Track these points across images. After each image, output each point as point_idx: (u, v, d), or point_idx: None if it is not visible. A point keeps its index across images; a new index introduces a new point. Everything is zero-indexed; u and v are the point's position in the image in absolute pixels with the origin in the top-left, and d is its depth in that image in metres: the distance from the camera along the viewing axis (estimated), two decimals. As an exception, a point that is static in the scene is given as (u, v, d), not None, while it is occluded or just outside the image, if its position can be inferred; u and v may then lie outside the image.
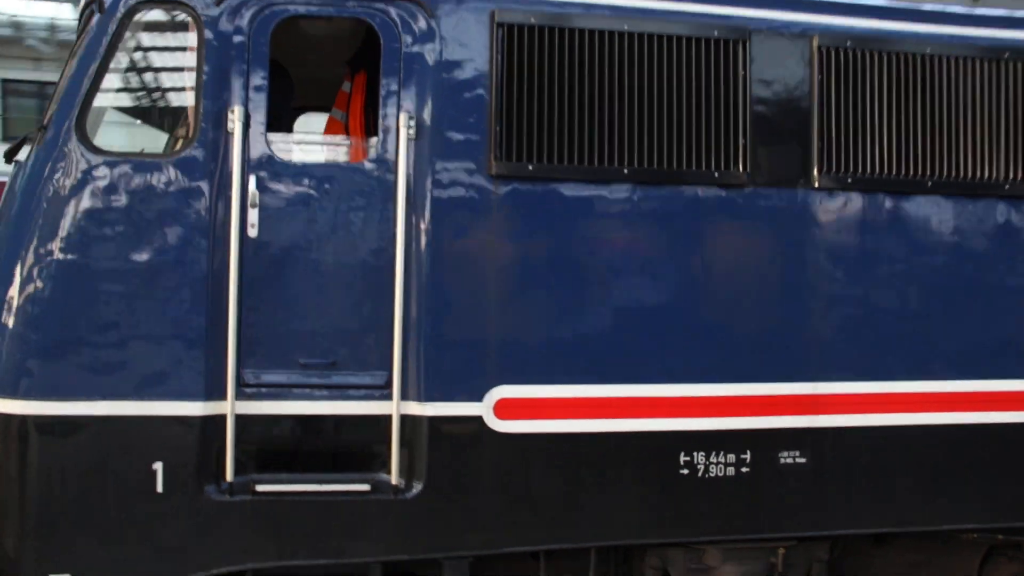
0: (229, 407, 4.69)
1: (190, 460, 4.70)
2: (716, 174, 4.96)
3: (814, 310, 5.06)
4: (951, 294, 5.14)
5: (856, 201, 5.11)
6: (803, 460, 5.05)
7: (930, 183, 5.11)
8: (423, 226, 4.88)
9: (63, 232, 4.63)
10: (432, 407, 4.84)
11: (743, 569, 5.16)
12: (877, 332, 5.09)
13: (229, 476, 4.69)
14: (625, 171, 4.94)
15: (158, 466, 4.73)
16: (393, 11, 4.87)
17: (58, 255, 4.63)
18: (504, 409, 4.93)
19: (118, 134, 5.83)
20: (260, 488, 4.74)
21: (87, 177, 4.63)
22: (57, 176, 4.63)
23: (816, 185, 5.04)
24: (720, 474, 5.00)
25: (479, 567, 5.08)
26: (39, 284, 4.67)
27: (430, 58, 4.91)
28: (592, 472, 4.98)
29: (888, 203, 5.14)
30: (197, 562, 4.74)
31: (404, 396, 4.79)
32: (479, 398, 4.89)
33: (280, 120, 5.33)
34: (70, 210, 4.62)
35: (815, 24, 5.08)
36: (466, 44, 4.94)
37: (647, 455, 4.99)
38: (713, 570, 5.15)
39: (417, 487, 4.84)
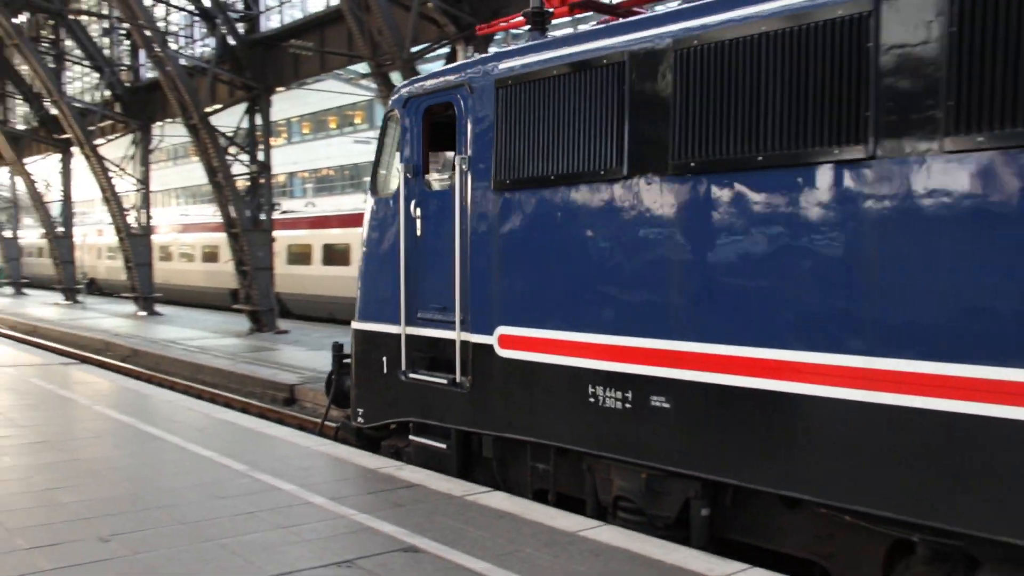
0: (402, 329, 8.20)
1: (394, 356, 8.30)
2: (602, 171, 6.50)
3: (674, 281, 6.08)
4: (783, 267, 5.54)
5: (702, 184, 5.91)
6: (667, 405, 6.10)
7: (760, 158, 5.58)
8: (467, 225, 7.57)
9: (369, 230, 8.93)
10: (471, 337, 7.50)
11: (626, 485, 6.55)
12: (719, 301, 5.83)
13: (403, 367, 8.20)
14: (552, 177, 6.88)
15: (385, 359, 8.50)
16: (459, 94, 7.76)
17: (380, 244, 8.72)
18: (502, 341, 7.30)
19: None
20: (410, 376, 8.15)
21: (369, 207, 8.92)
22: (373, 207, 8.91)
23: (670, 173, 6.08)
24: (612, 406, 6.45)
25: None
26: (367, 265, 8.99)
27: (471, 119, 7.60)
28: (542, 391, 6.98)
29: (726, 183, 5.79)
30: (397, 412, 8.38)
31: (472, 330, 7.50)
32: (491, 333, 7.35)
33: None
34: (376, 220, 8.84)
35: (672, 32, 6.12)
36: (484, 105, 7.49)
37: (570, 384, 6.72)
38: (612, 481, 6.67)
39: (481, 385, 7.45)
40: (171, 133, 37.18)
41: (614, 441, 6.45)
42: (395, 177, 8.55)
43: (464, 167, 7.59)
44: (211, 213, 39.75)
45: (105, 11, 37.70)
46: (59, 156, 41.30)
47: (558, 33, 7.82)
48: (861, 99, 5.08)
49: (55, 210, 40.98)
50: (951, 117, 4.69)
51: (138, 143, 33.73)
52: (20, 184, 45.44)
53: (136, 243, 32.33)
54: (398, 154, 8.50)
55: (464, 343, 7.57)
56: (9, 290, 47.10)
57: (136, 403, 10.90)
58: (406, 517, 6.11)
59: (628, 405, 6.37)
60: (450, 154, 8.49)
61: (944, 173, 4.75)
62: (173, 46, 30.69)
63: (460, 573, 5.08)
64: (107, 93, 35.83)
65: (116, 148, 34.31)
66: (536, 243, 7.08)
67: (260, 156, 27.19)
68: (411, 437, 8.37)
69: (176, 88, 27.41)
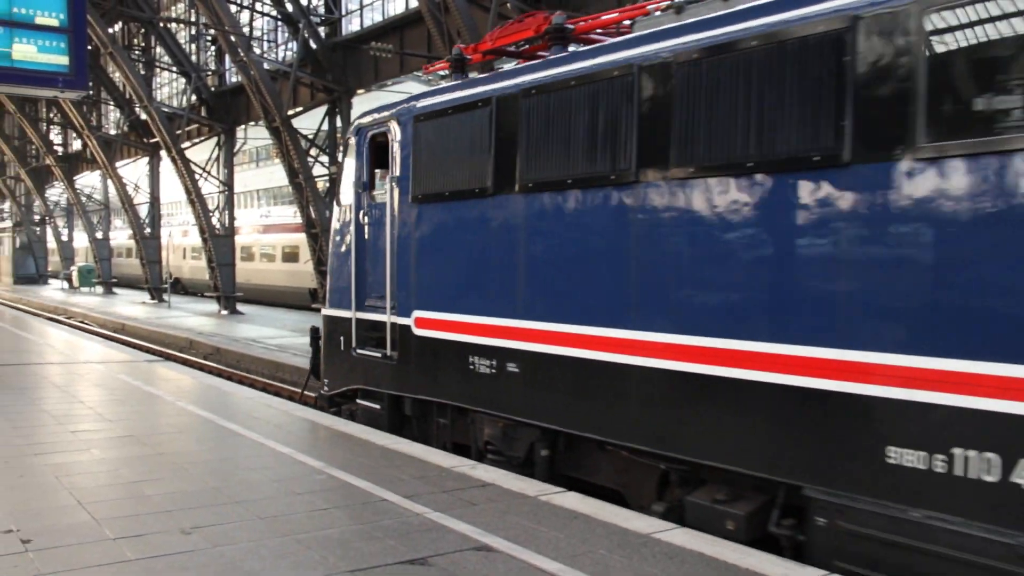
0: (353, 314, 10.30)
1: (349, 336, 10.36)
2: (477, 190, 8.59)
3: (520, 274, 8.11)
4: (581, 263, 7.49)
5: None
6: (517, 370, 8.05)
7: (569, 181, 7.57)
8: (395, 230, 9.62)
9: (332, 234, 11.14)
10: (398, 319, 9.59)
11: (491, 432, 8.63)
12: (545, 289, 7.85)
13: (354, 344, 10.30)
14: (447, 193, 8.95)
15: (342, 338, 10.56)
16: (391, 125, 9.81)
17: (340, 245, 10.80)
18: (417, 322, 9.31)
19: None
20: (359, 354, 10.23)
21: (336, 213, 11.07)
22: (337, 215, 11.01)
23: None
24: (484, 372, 8.42)
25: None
26: (332, 261, 11.15)
27: (399, 145, 9.66)
28: (442, 361, 9.03)
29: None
30: (350, 380, 10.56)
31: (398, 314, 9.57)
32: (410, 316, 9.42)
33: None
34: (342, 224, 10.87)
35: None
36: (407, 135, 9.51)
37: (459, 355, 8.74)
38: (483, 430, 8.74)
39: (403, 357, 9.54)
40: (254, 136, 37.92)
41: (484, 399, 8.53)
42: (351, 190, 10.62)
43: (393, 183, 9.71)
44: (291, 214, 40.45)
45: (193, 18, 38.64)
46: (147, 159, 42.49)
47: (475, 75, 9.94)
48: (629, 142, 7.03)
49: (143, 212, 42.13)
50: (674, 158, 6.64)
51: (222, 146, 34.53)
52: (111, 187, 46.79)
53: (219, 244, 33.07)
54: (353, 172, 10.59)
55: (393, 324, 9.72)
56: (99, 289, 48.59)
57: (217, 400, 11.14)
58: (479, 516, 6.12)
59: (493, 371, 8.39)
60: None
61: (671, 194, 6.68)
62: (257, 51, 31.29)
63: (533, 573, 5.07)
64: (193, 98, 36.70)
65: (201, 151, 35.15)
66: (437, 244, 9.16)
67: (340, 157, 27.57)
68: (357, 400, 10.54)
69: (259, 92, 27.96)
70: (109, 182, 46.79)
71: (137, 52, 40.71)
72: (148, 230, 41.93)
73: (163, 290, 39.69)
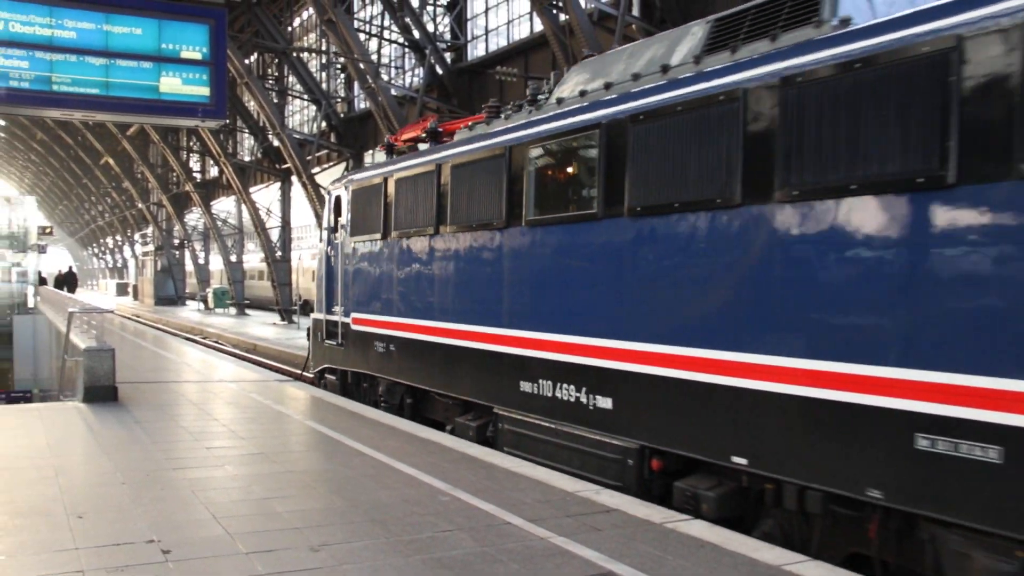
0: (324, 316, 15.07)
1: (321, 331, 15.26)
2: (378, 235, 13.11)
3: (399, 286, 12.45)
4: (440, 274, 11.46)
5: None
6: (394, 349, 12.33)
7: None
8: (343, 259, 14.33)
9: (318, 262, 16.22)
10: (344, 319, 14.08)
11: (383, 389, 13.11)
12: (406, 294, 12.20)
13: (323, 337, 15.13)
14: (363, 236, 13.54)
15: (319, 333, 15.52)
16: (343, 189, 14.53)
17: (320, 270, 15.77)
18: (354, 321, 13.73)
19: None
20: (327, 343, 14.92)
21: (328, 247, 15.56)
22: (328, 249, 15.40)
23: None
24: (380, 350, 12.75)
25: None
26: (316, 281, 16.34)
27: (346, 203, 14.37)
28: (366, 346, 13.22)
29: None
30: (322, 362, 15.44)
31: (344, 315, 14.10)
32: (349, 316, 13.87)
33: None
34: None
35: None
36: (347, 197, 14.23)
37: (372, 341, 13.03)
38: (380, 388, 13.30)
39: (345, 344, 14.06)
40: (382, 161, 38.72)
41: (379, 368, 13.06)
42: (325, 233, 15.46)
43: (342, 229, 14.55)
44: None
45: (324, 47, 39.84)
46: (279, 185, 43.96)
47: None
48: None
49: (274, 235, 43.53)
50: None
51: (350, 170, 35.48)
52: (245, 212, 48.54)
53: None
54: (324, 221, 15.58)
55: (342, 322, 14.32)
56: (233, 310, 50.38)
57: (344, 420, 11.35)
58: (604, 542, 6.04)
59: (383, 350, 12.83)
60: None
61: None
62: (384, 77, 32.03)
63: (659, 602, 4.95)
64: (323, 124, 37.78)
65: (330, 176, 36.15)
66: (360, 269, 13.80)
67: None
68: (326, 376, 15.51)
69: (387, 117, 28.57)
70: (243, 207, 48.59)
71: (271, 81, 42.23)
72: (279, 253, 43.31)
73: (293, 311, 40.89)
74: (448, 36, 30.53)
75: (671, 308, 7.57)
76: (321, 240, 15.70)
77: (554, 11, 21.35)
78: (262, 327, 38.16)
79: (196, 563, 5.52)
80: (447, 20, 30.74)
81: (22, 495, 7.25)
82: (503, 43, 28.78)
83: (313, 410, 12.04)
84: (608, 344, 8.24)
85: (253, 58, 43.80)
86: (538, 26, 25.12)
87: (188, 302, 64.92)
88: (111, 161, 69.99)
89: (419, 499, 7.22)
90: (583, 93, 9.32)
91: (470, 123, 12.03)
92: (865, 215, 5.97)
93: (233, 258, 51.75)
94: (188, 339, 30.76)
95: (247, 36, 38.02)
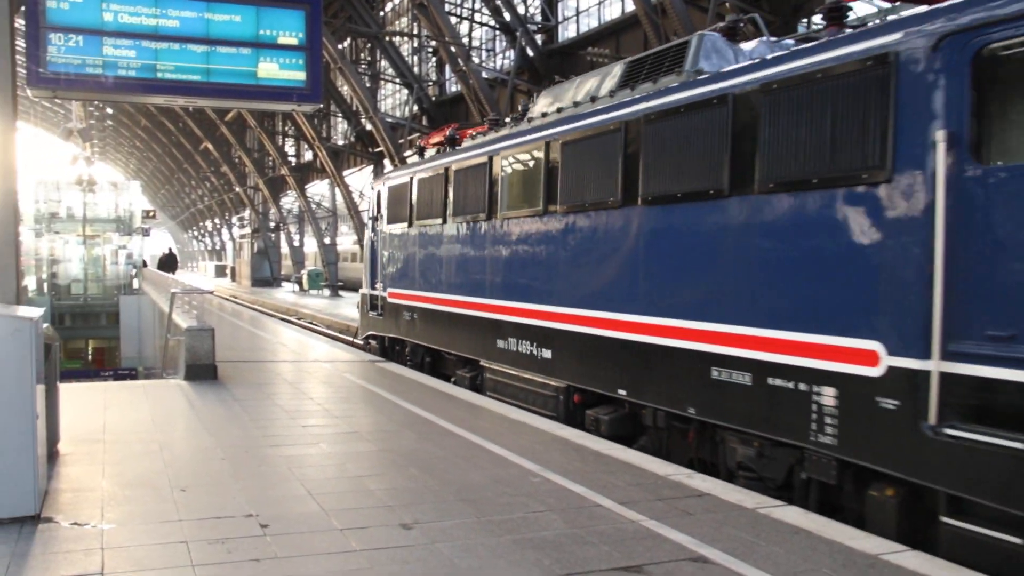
0: (368, 291, 18.59)
1: (367, 303, 18.62)
2: (408, 224, 16.03)
3: (421, 267, 15.22)
4: (437, 257, 14.41)
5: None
6: (418, 318, 15.16)
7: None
8: (381, 244, 17.59)
9: (363, 248, 22.67)
10: (382, 293, 17.19)
11: (410, 350, 16.17)
12: (428, 274, 14.86)
13: (368, 309, 18.48)
14: (396, 226, 16.59)
15: (365, 306, 18.93)
16: (382, 183, 17.84)
17: (367, 252, 19.33)
18: (390, 295, 16.72)
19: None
20: (370, 314, 18.19)
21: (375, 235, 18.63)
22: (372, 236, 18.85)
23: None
24: (407, 319, 15.71)
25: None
26: (363, 263, 20.15)
27: (385, 198, 17.45)
28: (399, 316, 16.12)
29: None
30: (368, 330, 18.51)
31: (382, 291, 17.21)
32: (385, 291, 16.95)
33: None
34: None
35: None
36: (385, 192, 17.48)
37: (403, 312, 15.86)
38: (407, 349, 16.29)
39: (384, 314, 17.15)
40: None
41: (406, 333, 15.80)
42: (369, 222, 18.70)
43: (382, 217, 17.34)
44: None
45: (415, 31, 40.11)
46: (372, 168, 44.53)
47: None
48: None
49: (365, 218, 44.16)
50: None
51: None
52: (338, 195, 49.31)
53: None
54: (369, 211, 18.69)
55: (382, 297, 17.21)
56: (327, 292, 51.33)
57: (436, 400, 11.48)
58: (695, 526, 6.00)
59: (411, 318, 15.46)
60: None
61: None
62: (476, 60, 32.11)
63: (751, 588, 4.90)
64: (415, 108, 38.09)
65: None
66: (394, 252, 16.54)
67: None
68: (369, 341, 18.43)
69: (478, 100, 28.67)
70: (336, 190, 49.36)
71: (363, 66, 42.70)
72: (327, 239, 44.14)
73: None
74: (539, 18, 30.45)
75: (580, 279, 10.16)
76: (367, 228, 19.77)
77: (646, -9, 21.09)
78: (354, 308, 38.73)
79: (293, 538, 5.67)
80: (538, 1, 30.66)
81: (130, 467, 7.54)
82: (594, 24, 28.58)
83: (405, 390, 12.21)
84: (548, 309, 10.84)
85: (346, 43, 44.35)
86: (630, 6, 24.87)
87: (283, 284, 66.36)
88: (210, 146, 71.82)
89: (510, 480, 7.27)
90: (544, 115, 11.84)
91: (474, 133, 15.01)
92: (685, 217, 8.46)
93: (327, 240, 52.66)
94: (284, 320, 31.46)
95: (340, 21, 38.51)
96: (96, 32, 11.38)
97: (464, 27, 34.79)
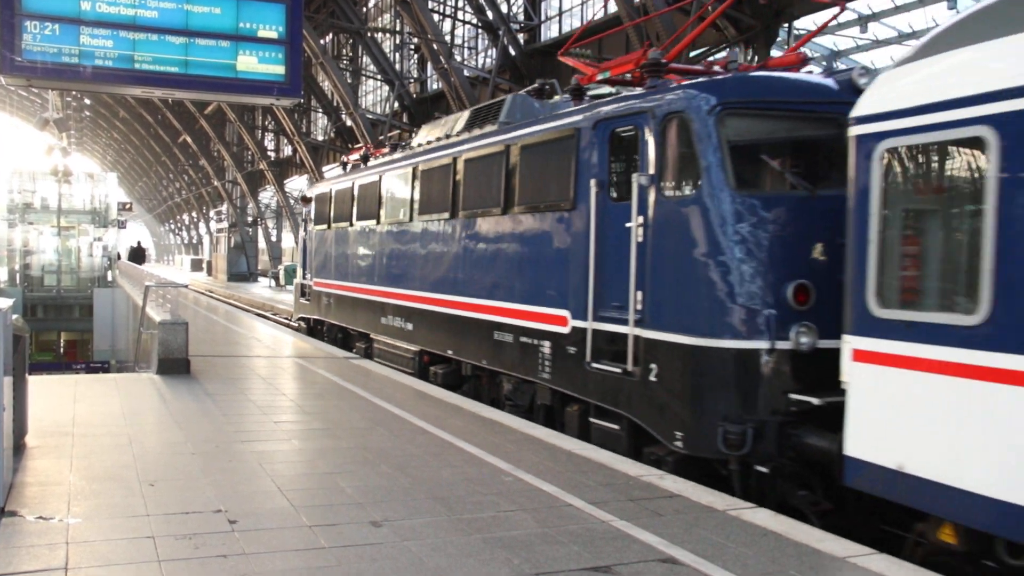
0: (301, 281, 22.56)
1: (300, 291, 22.51)
2: (325, 224, 20.04)
3: (336, 260, 18.92)
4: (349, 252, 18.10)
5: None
6: (334, 302, 18.82)
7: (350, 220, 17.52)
8: (310, 242, 21.55)
9: (304, 241, 23.64)
10: (309, 283, 20.99)
11: (327, 329, 19.88)
12: (339, 265, 18.67)
13: (300, 296, 22.25)
14: (325, 226, 19.88)
15: (298, 292, 22.63)
16: (313, 190, 21.94)
17: (301, 247, 23.85)
18: (315, 283, 20.36)
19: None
20: (301, 300, 22.22)
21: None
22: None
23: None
24: (326, 303, 19.36)
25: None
26: (299, 256, 25.02)
27: (313, 202, 21.45)
28: (319, 300, 19.94)
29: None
30: (300, 312, 22.30)
31: (310, 280, 20.98)
32: (311, 281, 20.77)
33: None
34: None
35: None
36: (314, 198, 21.32)
37: (324, 297, 19.50)
38: (324, 329, 20.13)
39: (311, 300, 20.93)
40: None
41: (326, 315, 19.26)
42: (303, 222, 22.15)
43: (311, 220, 20.95)
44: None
45: (398, 28, 39.99)
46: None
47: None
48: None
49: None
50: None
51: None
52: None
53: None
54: (304, 214, 22.19)
55: (309, 285, 20.48)
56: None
57: (409, 398, 11.44)
58: (665, 527, 6.00)
59: (328, 302, 19.10)
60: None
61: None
62: (457, 58, 32.04)
63: (720, 590, 4.90)
64: (396, 105, 37.99)
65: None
66: (317, 248, 20.03)
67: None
68: (299, 323, 22.11)
69: (459, 98, 28.61)
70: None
71: (345, 62, 42.51)
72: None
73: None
74: (521, 17, 30.44)
75: (428, 271, 13.59)
76: (301, 228, 24.40)
77: (628, -8, 21.13)
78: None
79: (261, 534, 5.63)
80: (521, 1, 30.65)
81: (99, 461, 7.46)
82: (577, 24, 28.60)
83: (379, 387, 12.17)
84: (409, 293, 14.37)
85: (328, 38, 44.17)
86: (612, 7, 24.91)
87: (260, 279, 66.03)
88: (189, 139, 71.38)
89: (481, 478, 7.26)
90: (419, 145, 15.28)
91: (378, 154, 18.41)
92: (480, 226, 11.89)
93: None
94: (259, 315, 31.29)
95: (323, 16, 38.36)
96: (73, 21, 11.27)
97: (447, 24, 34.73)
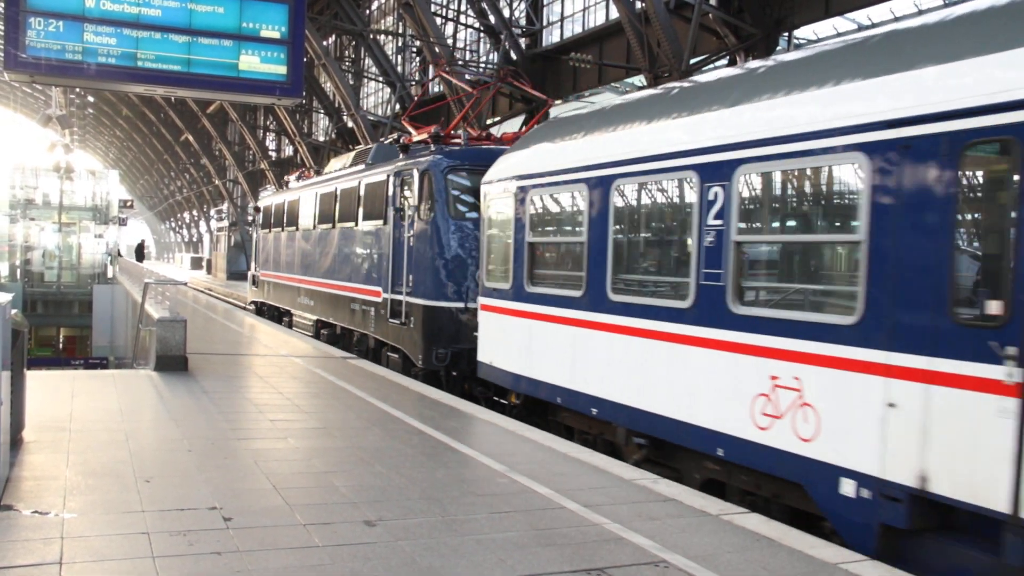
0: (252, 272, 30.21)
1: (251, 281, 30.58)
2: (280, 228, 25.80)
3: (286, 258, 24.63)
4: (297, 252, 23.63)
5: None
6: (275, 289, 25.30)
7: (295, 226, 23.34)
8: (259, 241, 28.79)
9: (255, 239, 30.93)
10: (257, 273, 28.91)
11: (268, 311, 26.57)
12: (288, 262, 24.04)
13: (253, 284, 30.20)
14: (271, 228, 26.39)
15: (250, 281, 30.75)
16: (263, 201, 30.48)
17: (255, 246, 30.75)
18: (262, 275, 27.51)
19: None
20: (252, 288, 30.38)
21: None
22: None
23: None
24: (270, 290, 25.99)
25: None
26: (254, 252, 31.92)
27: (262, 211, 29.18)
28: (265, 288, 26.96)
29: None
30: (256, 297, 29.36)
31: (258, 272, 28.53)
32: (259, 271, 28.22)
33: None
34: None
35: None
36: (263, 207, 29.45)
37: (273, 286, 25.59)
38: (266, 310, 27.18)
39: (259, 287, 28.43)
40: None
41: (268, 299, 26.29)
42: (254, 227, 30.56)
43: (260, 223, 28.41)
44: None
45: (400, 30, 40.02)
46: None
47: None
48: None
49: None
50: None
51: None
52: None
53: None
54: (254, 218, 30.94)
55: (257, 275, 28.11)
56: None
57: (406, 399, 11.47)
58: (658, 531, 6.03)
59: (269, 289, 25.89)
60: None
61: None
62: (460, 62, 32.06)
63: (710, 594, 4.93)
64: (397, 106, 38.03)
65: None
66: (264, 246, 26.87)
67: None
68: (251, 305, 29.42)
69: (460, 100, 28.61)
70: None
71: (347, 63, 42.54)
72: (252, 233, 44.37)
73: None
74: (523, 21, 30.49)
75: (321, 264, 19.40)
76: (253, 230, 30.14)
77: (631, -2, 21.18)
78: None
79: (256, 531, 5.65)
80: (523, 5, 30.71)
81: (95, 457, 7.49)
82: (578, 30, 28.66)
83: (375, 387, 12.20)
84: (312, 279, 20.23)
85: (331, 40, 44.22)
86: (614, 13, 24.95)
87: (260, 278, 65.96)
88: (191, 138, 71.42)
89: (476, 480, 7.28)
90: (328, 172, 21.05)
91: (309, 176, 24.21)
92: (346, 233, 18.03)
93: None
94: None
95: (326, 18, 38.41)
96: (77, 18, 11.32)
97: (449, 28, 34.78)
